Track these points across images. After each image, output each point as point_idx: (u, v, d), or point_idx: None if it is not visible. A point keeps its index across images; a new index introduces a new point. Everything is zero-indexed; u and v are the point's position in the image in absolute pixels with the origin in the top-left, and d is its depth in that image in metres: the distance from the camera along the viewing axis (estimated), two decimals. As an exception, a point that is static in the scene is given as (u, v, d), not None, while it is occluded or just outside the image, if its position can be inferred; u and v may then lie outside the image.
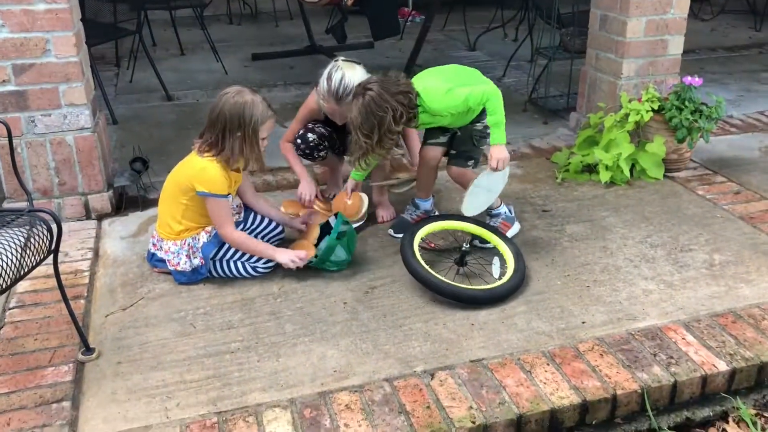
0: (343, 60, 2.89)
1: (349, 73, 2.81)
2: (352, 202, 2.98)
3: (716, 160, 3.77)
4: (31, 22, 2.89)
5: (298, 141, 3.10)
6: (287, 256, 2.65)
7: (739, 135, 4.13)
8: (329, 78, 2.83)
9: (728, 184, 3.50)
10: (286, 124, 4.40)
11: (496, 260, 2.81)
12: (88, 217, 3.21)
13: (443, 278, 2.57)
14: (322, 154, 3.14)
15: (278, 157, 3.85)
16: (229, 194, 2.67)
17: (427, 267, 2.59)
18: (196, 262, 2.69)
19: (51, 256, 2.16)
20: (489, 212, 3.00)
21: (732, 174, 3.61)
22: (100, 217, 3.22)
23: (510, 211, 3.05)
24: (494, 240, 2.82)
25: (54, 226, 2.12)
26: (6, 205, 3.08)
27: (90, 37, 4.41)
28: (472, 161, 2.95)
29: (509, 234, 2.95)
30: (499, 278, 2.67)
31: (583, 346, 2.33)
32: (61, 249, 2.89)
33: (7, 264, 1.96)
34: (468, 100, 2.70)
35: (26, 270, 2.05)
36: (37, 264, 2.09)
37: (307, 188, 3.08)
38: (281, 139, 3.19)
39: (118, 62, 5.71)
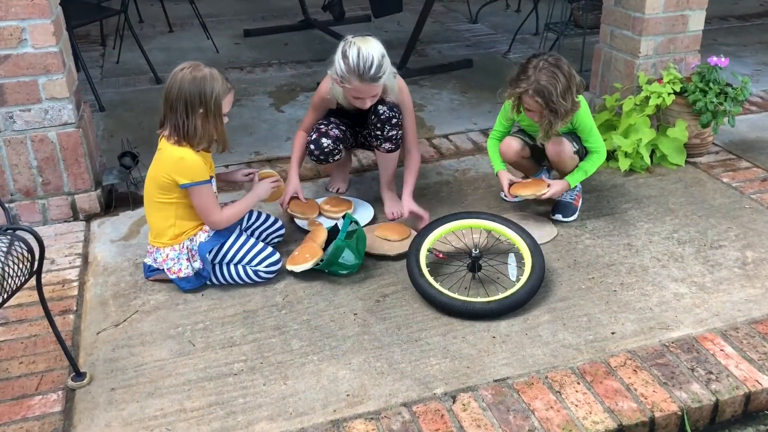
0: (352, 37, 2.67)
1: (364, 46, 2.60)
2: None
3: (738, 143, 3.58)
4: (5, 9, 2.64)
5: (311, 147, 2.88)
6: (264, 187, 2.67)
7: (759, 114, 3.93)
8: (345, 56, 2.59)
9: (754, 170, 3.31)
10: (282, 108, 4.19)
11: (511, 258, 2.63)
12: (75, 218, 3.00)
13: (456, 295, 2.38)
14: (336, 158, 2.94)
15: (276, 147, 3.65)
16: (211, 178, 2.50)
17: (437, 285, 2.41)
18: (198, 265, 2.51)
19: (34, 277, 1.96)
20: None
21: (757, 158, 3.41)
22: (89, 218, 3.01)
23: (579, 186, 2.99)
24: (506, 233, 2.61)
25: (35, 245, 1.92)
26: None
27: (72, 18, 4.17)
28: (578, 147, 2.86)
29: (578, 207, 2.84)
30: (517, 280, 2.49)
31: (614, 361, 2.16)
32: (47, 256, 2.72)
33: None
34: (594, 135, 2.82)
35: (4, 298, 1.85)
36: (17, 290, 1.89)
37: (290, 188, 2.90)
38: (299, 129, 3.02)
39: (104, 41, 5.44)
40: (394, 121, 2.81)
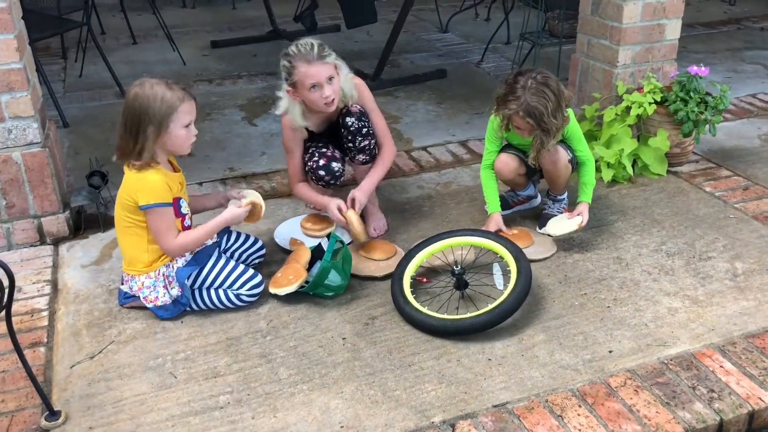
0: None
1: (300, 40, 2.60)
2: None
3: (717, 151, 3.58)
4: (-36, 24, 2.50)
5: (322, 173, 2.75)
6: (231, 210, 2.47)
7: (735, 122, 3.94)
8: (286, 55, 2.58)
9: (735, 178, 3.30)
10: (255, 121, 4.08)
11: (496, 267, 2.57)
12: (42, 242, 2.85)
13: (444, 315, 2.31)
14: (342, 179, 2.85)
15: (251, 162, 3.53)
16: (179, 199, 2.38)
17: (424, 309, 2.33)
18: (175, 292, 2.38)
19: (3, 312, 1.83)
20: (554, 198, 2.94)
21: (736, 166, 3.41)
22: (57, 242, 2.86)
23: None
24: (487, 244, 2.55)
25: (5, 280, 1.79)
26: None
27: (33, 31, 4.00)
28: (571, 155, 2.80)
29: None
30: (504, 288, 2.43)
31: (614, 381, 2.11)
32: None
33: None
34: (583, 143, 2.78)
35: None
36: (-13, 327, 1.75)
37: (335, 202, 2.72)
38: (291, 182, 2.90)
39: (65, 54, 5.27)
40: (365, 131, 2.73)
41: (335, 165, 2.76)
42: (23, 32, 2.76)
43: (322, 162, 2.76)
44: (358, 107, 2.75)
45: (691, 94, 3.21)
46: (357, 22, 4.75)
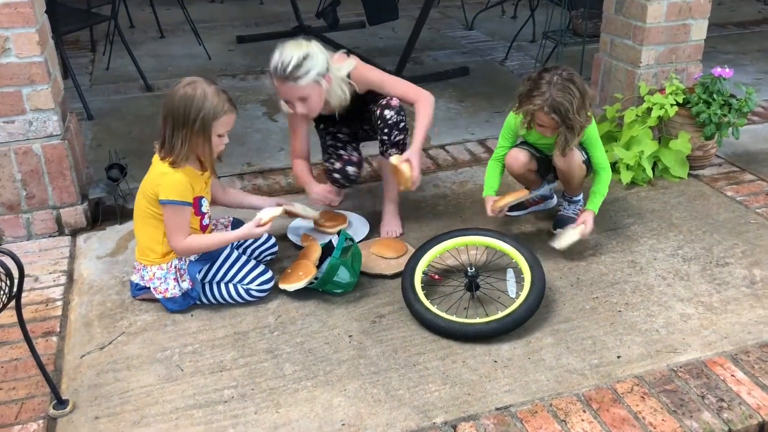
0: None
1: (290, 46, 2.53)
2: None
3: (741, 155, 3.51)
4: (-13, 18, 2.55)
5: (337, 176, 2.79)
6: (247, 228, 2.42)
7: (763, 124, 3.86)
8: (279, 59, 2.52)
9: (758, 183, 3.23)
10: (276, 116, 4.10)
11: (510, 273, 2.54)
12: (60, 232, 2.90)
13: (453, 318, 2.29)
14: (357, 182, 2.89)
15: (269, 157, 3.55)
16: (201, 198, 2.41)
17: (433, 308, 2.32)
18: (186, 285, 2.41)
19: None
20: (569, 199, 2.91)
21: (760, 170, 3.34)
22: (75, 233, 2.91)
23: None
24: (503, 248, 2.53)
25: (15, 270, 1.82)
26: None
27: (61, 24, 4.08)
28: (585, 156, 2.76)
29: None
30: (517, 296, 2.41)
31: (621, 387, 2.08)
32: (31, 273, 2.63)
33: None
34: (600, 151, 2.72)
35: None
36: (-4, 315, 1.79)
37: (318, 188, 2.78)
38: (291, 156, 2.89)
39: (94, 47, 5.34)
40: (402, 125, 2.71)
41: (350, 169, 2.77)
42: (46, 26, 2.81)
43: (338, 165, 2.78)
44: (398, 101, 2.72)
45: (714, 96, 3.14)
46: (378, 19, 4.74)
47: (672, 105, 3.18)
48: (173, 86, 2.32)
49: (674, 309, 2.41)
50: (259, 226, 2.42)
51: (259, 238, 2.66)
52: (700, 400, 2.02)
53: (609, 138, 3.40)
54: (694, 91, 3.24)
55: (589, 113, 2.58)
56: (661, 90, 3.34)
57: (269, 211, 2.48)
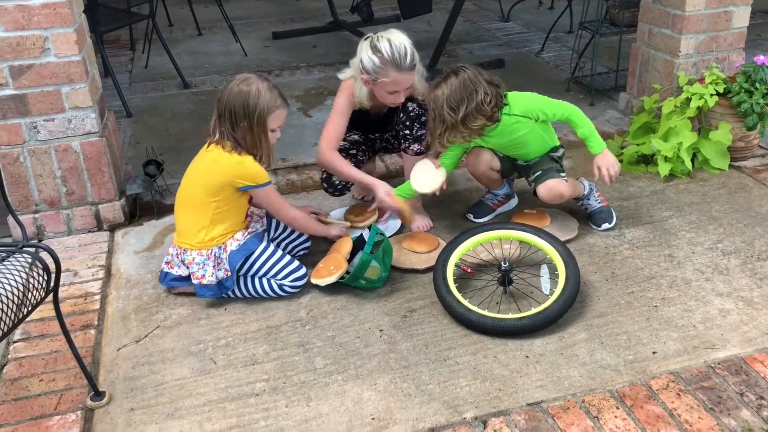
0: (373, 33, 2.61)
1: (393, 37, 2.55)
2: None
3: (786, 145, 3.40)
4: (27, 18, 2.61)
5: (325, 185, 2.88)
6: (336, 231, 2.67)
7: (809, 114, 3.73)
8: (377, 50, 2.53)
9: (803, 174, 3.14)
10: (310, 112, 4.12)
11: (544, 270, 2.51)
12: (99, 228, 2.96)
13: (485, 312, 2.27)
14: (350, 188, 2.93)
15: (303, 153, 3.57)
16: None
17: (465, 302, 2.30)
18: (221, 274, 2.44)
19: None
20: (586, 196, 2.84)
21: (806, 162, 3.24)
22: (113, 228, 2.97)
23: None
24: (538, 243, 2.50)
25: (51, 263, 1.86)
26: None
27: (102, 23, 4.17)
28: (563, 173, 2.73)
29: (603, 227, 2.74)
30: (550, 293, 2.38)
31: (656, 383, 2.04)
32: (71, 268, 2.69)
33: (1, 314, 1.71)
34: (553, 106, 2.61)
35: (24, 313, 1.80)
36: (32, 309, 1.83)
37: (384, 187, 2.71)
38: (321, 145, 2.74)
39: (133, 46, 5.43)
40: (424, 119, 2.72)
41: (335, 178, 2.84)
42: (83, 25, 2.87)
43: (325, 175, 2.85)
44: (420, 96, 2.74)
45: (757, 84, 3.05)
46: (412, 12, 4.72)
47: (712, 95, 3.10)
48: (228, 84, 2.42)
49: (713, 304, 2.36)
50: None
51: (293, 233, 2.68)
52: (739, 398, 1.97)
53: (647, 129, 3.33)
54: (735, 81, 3.15)
55: (478, 118, 2.49)
56: (701, 80, 3.26)
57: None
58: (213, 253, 2.43)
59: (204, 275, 2.43)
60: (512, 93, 2.63)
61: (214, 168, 2.41)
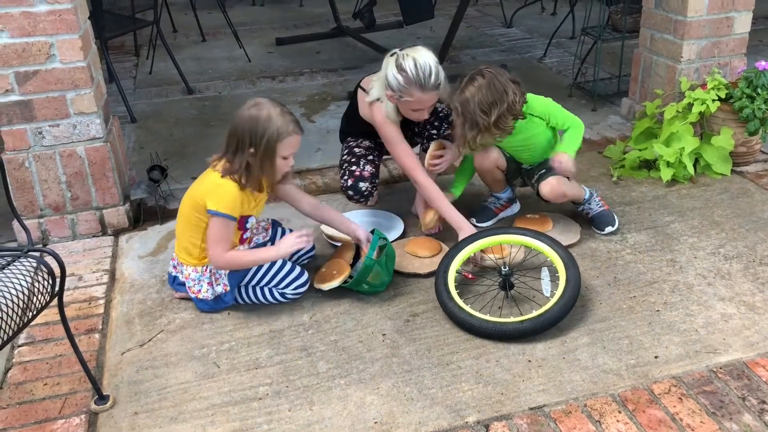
0: (401, 49, 2.58)
1: (418, 56, 2.52)
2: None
3: (788, 150, 3.41)
4: (33, 25, 2.63)
5: (350, 192, 2.79)
6: (288, 244, 2.38)
7: (811, 119, 3.73)
8: (401, 69, 2.50)
9: (805, 179, 3.14)
10: (313, 117, 4.13)
11: (544, 272, 2.52)
12: (104, 233, 2.98)
13: (486, 317, 2.28)
14: (372, 198, 2.87)
15: (306, 158, 3.57)
16: (249, 217, 2.43)
17: (467, 307, 2.31)
18: (219, 289, 2.44)
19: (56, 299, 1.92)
20: (587, 201, 2.84)
21: (808, 167, 3.25)
22: (117, 233, 2.98)
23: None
24: (538, 246, 2.50)
25: (56, 267, 1.88)
26: (7, 243, 2.87)
27: (107, 29, 4.20)
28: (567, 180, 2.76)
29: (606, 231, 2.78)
30: (551, 295, 2.38)
31: (658, 388, 2.04)
32: (75, 272, 2.71)
33: (4, 318, 1.72)
34: (564, 118, 2.68)
35: (29, 317, 1.81)
36: (37, 314, 1.85)
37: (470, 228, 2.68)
38: (413, 174, 2.69)
39: (138, 51, 5.46)
40: (450, 119, 2.74)
41: (362, 185, 2.77)
42: (89, 32, 2.89)
43: (350, 182, 2.79)
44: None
45: (759, 90, 3.06)
46: (413, 18, 4.74)
47: (714, 100, 3.11)
48: (240, 108, 2.32)
49: (715, 308, 2.36)
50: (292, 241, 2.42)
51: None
52: (741, 402, 1.98)
53: (649, 135, 3.34)
54: (737, 86, 3.16)
55: (507, 117, 2.52)
56: (703, 85, 3.27)
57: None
58: (208, 270, 2.43)
59: (200, 290, 2.43)
60: (529, 95, 2.66)
61: (200, 182, 2.40)
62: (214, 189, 2.33)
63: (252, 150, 2.27)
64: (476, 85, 2.50)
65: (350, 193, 2.80)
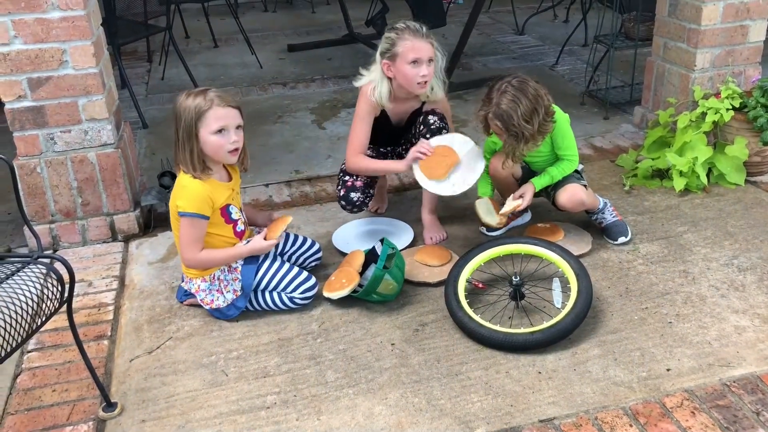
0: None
1: (407, 21, 2.68)
2: None
3: (804, 160, 3.36)
4: (46, 31, 2.64)
5: (343, 203, 2.82)
6: (258, 242, 2.40)
7: (826, 129, 3.69)
8: (393, 28, 2.64)
9: (821, 190, 3.10)
10: (324, 124, 4.13)
11: (556, 283, 2.49)
12: (114, 239, 2.98)
13: (497, 327, 2.26)
14: (368, 203, 2.87)
15: (317, 165, 3.58)
16: (228, 206, 2.42)
17: (476, 317, 2.29)
18: (230, 296, 2.43)
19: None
20: (600, 211, 2.83)
21: (824, 177, 3.21)
22: (127, 239, 2.99)
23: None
24: (549, 256, 2.48)
25: (65, 274, 1.88)
26: (17, 249, 2.88)
27: (120, 36, 4.22)
28: (584, 181, 2.76)
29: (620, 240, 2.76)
30: (562, 306, 2.36)
31: (670, 401, 2.01)
32: (85, 278, 2.71)
33: (14, 325, 1.72)
34: (570, 143, 2.69)
35: (38, 324, 1.81)
36: (46, 320, 1.85)
37: (405, 162, 2.72)
38: (346, 154, 2.79)
39: (150, 57, 5.49)
40: (444, 132, 2.73)
41: (353, 195, 2.78)
42: (101, 38, 2.90)
43: (342, 192, 2.81)
44: (441, 111, 2.78)
45: (773, 99, 3.03)
46: (426, 25, 4.72)
47: (728, 109, 3.08)
48: None
49: (728, 321, 2.33)
50: (265, 238, 2.42)
51: (304, 245, 2.68)
52: (755, 417, 1.95)
53: (662, 144, 3.31)
54: (751, 95, 3.13)
55: (548, 119, 2.54)
56: (717, 94, 3.24)
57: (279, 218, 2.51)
58: (216, 277, 2.42)
59: (213, 300, 2.43)
60: None
61: (173, 191, 2.41)
62: (179, 191, 2.34)
63: (184, 135, 2.28)
64: (510, 95, 2.47)
65: (342, 203, 2.82)
